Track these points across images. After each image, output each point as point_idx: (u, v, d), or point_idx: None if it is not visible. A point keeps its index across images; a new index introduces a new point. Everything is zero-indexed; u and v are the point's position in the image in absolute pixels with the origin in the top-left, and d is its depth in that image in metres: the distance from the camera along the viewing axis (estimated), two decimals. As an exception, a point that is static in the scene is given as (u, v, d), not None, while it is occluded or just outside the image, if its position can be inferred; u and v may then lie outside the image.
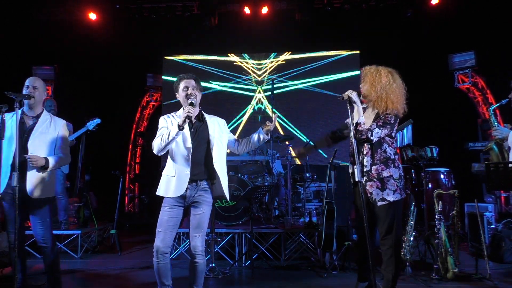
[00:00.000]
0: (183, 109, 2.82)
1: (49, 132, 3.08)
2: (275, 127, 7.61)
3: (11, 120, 2.99)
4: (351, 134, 3.07)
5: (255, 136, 2.91)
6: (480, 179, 5.92)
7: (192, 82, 2.83)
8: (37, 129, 3.04)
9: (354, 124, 2.77)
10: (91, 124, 4.90)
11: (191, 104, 2.70)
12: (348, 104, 2.72)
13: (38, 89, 3.07)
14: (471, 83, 7.40)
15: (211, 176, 2.80)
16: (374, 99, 2.86)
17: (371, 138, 2.76)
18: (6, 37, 7.23)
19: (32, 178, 2.96)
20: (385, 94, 2.82)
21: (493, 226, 4.66)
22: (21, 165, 2.90)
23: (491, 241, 4.53)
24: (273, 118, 2.87)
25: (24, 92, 3.03)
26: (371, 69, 2.93)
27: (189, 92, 2.79)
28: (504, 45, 6.57)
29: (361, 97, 2.91)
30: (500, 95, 3.11)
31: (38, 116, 3.09)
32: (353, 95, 2.78)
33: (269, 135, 2.90)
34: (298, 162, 6.91)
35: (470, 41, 7.21)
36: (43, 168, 2.94)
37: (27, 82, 3.07)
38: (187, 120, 2.64)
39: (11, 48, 7.30)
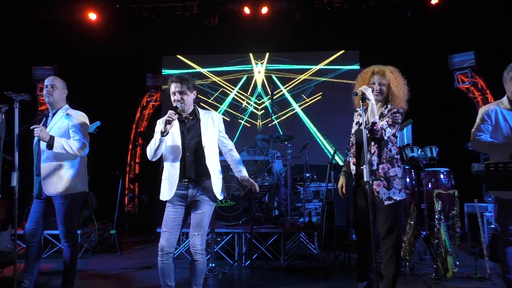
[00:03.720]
0: None
1: (62, 127, 3.07)
2: (275, 128, 7.61)
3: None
4: (353, 133, 3.07)
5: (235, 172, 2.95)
6: (480, 179, 5.91)
7: (179, 86, 2.73)
8: (50, 126, 3.06)
9: (370, 124, 2.71)
10: (92, 127, 4.90)
11: (175, 108, 2.66)
12: (361, 101, 2.66)
13: (58, 88, 3.09)
14: (471, 83, 7.40)
15: (205, 174, 2.75)
16: (400, 98, 2.84)
17: (384, 137, 2.76)
18: (6, 37, 7.22)
19: (48, 174, 2.98)
20: (397, 91, 2.84)
21: (493, 226, 4.66)
22: (37, 166, 3.00)
23: (491, 241, 4.53)
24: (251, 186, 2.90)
25: (44, 92, 3.06)
26: (392, 70, 2.89)
27: (176, 98, 2.73)
28: (504, 45, 6.56)
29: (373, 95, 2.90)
30: (500, 95, 3.12)
31: (54, 114, 3.11)
32: (368, 91, 2.70)
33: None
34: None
35: (470, 41, 7.20)
36: (49, 146, 2.92)
37: (46, 82, 3.09)
38: (168, 125, 2.59)
39: (11, 48, 7.29)
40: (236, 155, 2.97)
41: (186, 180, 2.74)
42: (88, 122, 3.26)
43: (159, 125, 2.83)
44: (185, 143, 2.75)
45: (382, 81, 2.87)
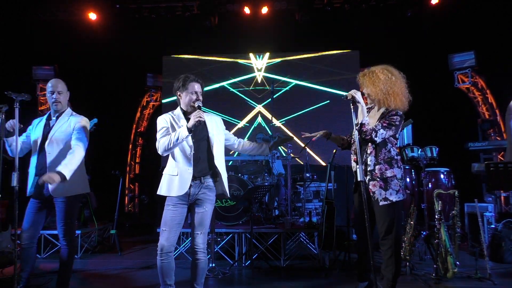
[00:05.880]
0: (181, 108, 2.86)
1: (65, 130, 3.07)
2: (276, 127, 7.60)
3: (38, 125, 3.09)
4: (353, 133, 3.07)
5: (259, 148, 3.05)
6: (480, 179, 5.91)
7: (201, 87, 2.85)
8: (55, 129, 3.07)
9: (359, 125, 2.76)
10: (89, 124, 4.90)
11: (199, 107, 2.72)
12: (351, 104, 2.71)
13: (63, 93, 3.11)
14: (471, 83, 7.40)
15: (214, 173, 2.83)
16: (382, 97, 2.84)
17: (375, 139, 2.76)
18: (6, 37, 7.22)
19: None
20: (390, 90, 2.84)
21: (493, 226, 4.66)
22: (42, 166, 2.98)
23: (491, 241, 4.53)
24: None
25: (51, 98, 3.06)
26: (366, 73, 2.95)
27: (200, 98, 2.81)
28: (504, 45, 6.56)
29: (366, 98, 2.91)
30: (500, 95, 3.11)
31: (59, 116, 3.12)
32: (357, 94, 2.76)
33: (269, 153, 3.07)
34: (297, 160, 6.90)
35: (470, 41, 7.20)
36: (62, 180, 2.90)
37: (51, 87, 3.07)
38: (197, 124, 2.65)
39: (11, 48, 7.29)
40: (243, 140, 3.12)
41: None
42: (88, 127, 3.27)
43: (164, 122, 2.81)
44: (193, 143, 2.78)
45: (364, 88, 2.96)
